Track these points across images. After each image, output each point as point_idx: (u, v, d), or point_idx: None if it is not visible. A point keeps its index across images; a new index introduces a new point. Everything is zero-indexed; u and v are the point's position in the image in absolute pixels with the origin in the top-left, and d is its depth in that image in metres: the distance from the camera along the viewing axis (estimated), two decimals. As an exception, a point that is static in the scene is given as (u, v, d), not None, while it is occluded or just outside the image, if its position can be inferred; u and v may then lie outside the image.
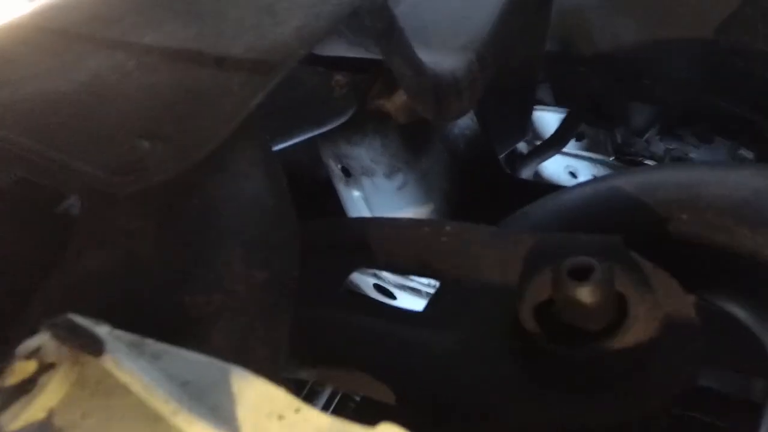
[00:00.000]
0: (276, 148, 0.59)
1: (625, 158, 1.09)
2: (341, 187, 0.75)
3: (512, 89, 0.84)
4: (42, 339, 0.19)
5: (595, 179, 0.52)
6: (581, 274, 0.23)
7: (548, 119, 1.13)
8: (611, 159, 1.08)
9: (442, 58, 0.54)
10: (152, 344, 0.19)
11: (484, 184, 0.80)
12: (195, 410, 0.16)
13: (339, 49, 0.54)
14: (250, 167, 0.33)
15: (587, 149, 1.15)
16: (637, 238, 0.37)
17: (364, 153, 0.69)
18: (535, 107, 1.15)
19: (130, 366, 0.17)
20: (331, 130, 0.65)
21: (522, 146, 1.15)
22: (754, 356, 0.37)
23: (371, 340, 0.28)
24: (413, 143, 0.72)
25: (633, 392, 0.23)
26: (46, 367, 0.18)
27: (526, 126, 0.98)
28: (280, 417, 0.18)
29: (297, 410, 0.18)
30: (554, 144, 1.05)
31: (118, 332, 0.19)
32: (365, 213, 0.76)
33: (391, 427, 0.17)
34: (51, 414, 0.17)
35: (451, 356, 0.26)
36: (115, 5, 0.53)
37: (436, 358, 0.26)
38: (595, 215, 0.41)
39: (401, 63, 0.44)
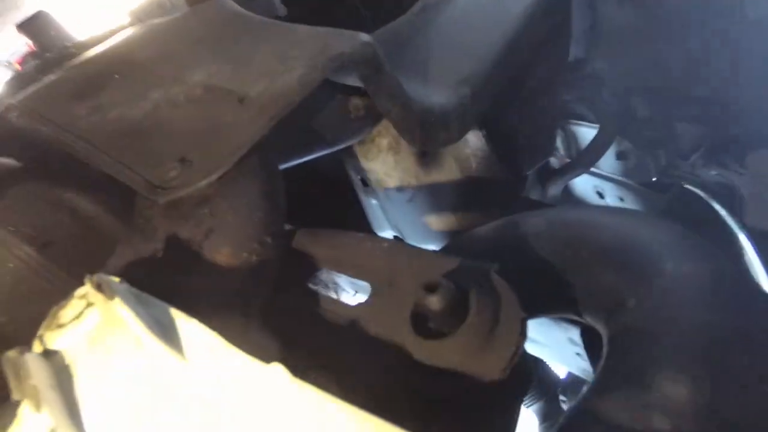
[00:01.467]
0: (300, 160, 0.70)
1: (669, 181, 1.08)
2: (362, 195, 0.85)
3: (534, 109, 0.89)
4: (88, 287, 0.32)
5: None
6: (432, 288, 0.32)
7: (587, 135, 1.15)
8: (637, 182, 1.07)
9: (435, 91, 0.62)
10: (147, 297, 0.31)
11: (495, 202, 0.86)
12: (161, 337, 0.28)
13: (353, 80, 0.64)
14: (250, 182, 0.45)
15: (629, 170, 1.14)
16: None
17: (378, 167, 0.79)
18: (573, 123, 1.18)
19: (131, 306, 0.29)
20: (351, 146, 0.76)
21: (554, 162, 1.17)
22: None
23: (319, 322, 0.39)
24: (424, 160, 0.80)
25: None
26: (89, 305, 0.30)
27: (551, 144, 1.01)
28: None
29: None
30: (583, 162, 1.06)
31: (132, 288, 0.31)
32: (382, 219, 0.86)
33: (279, 366, 0.27)
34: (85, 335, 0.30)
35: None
36: (175, 44, 0.67)
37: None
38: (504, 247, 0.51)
39: (387, 100, 0.53)
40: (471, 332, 0.31)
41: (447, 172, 0.84)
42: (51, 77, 0.87)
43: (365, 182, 0.83)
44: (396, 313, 0.35)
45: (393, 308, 0.35)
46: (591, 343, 0.60)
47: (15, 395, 0.28)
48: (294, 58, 0.51)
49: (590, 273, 0.45)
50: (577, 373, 0.74)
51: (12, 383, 0.28)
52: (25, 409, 0.28)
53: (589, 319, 0.46)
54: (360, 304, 0.38)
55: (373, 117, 0.75)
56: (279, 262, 0.43)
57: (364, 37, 0.51)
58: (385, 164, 0.78)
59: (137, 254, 0.42)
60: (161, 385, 0.29)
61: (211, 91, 0.54)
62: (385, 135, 0.77)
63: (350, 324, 0.37)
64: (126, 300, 0.29)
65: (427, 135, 0.58)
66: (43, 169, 0.79)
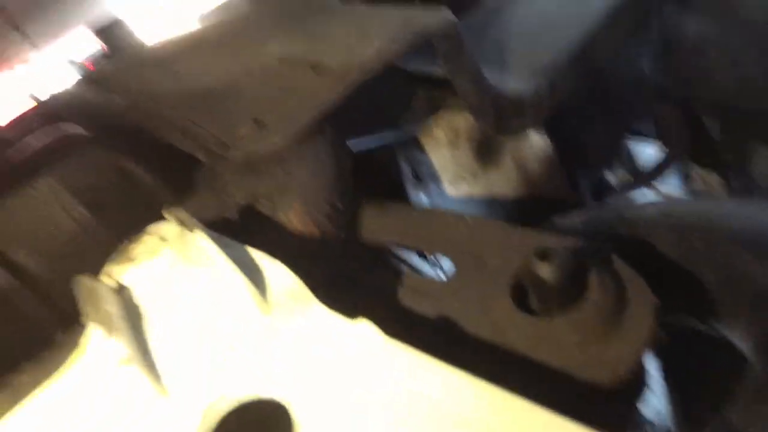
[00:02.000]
0: (359, 142, 0.69)
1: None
2: (411, 190, 0.84)
3: (604, 117, 0.85)
4: (162, 224, 0.31)
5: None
6: (545, 256, 0.29)
7: (646, 152, 1.10)
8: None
9: (512, 78, 0.61)
10: (225, 239, 0.30)
11: (548, 209, 0.83)
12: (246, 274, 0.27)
13: (423, 65, 0.63)
14: (324, 149, 0.44)
15: (695, 191, 1.09)
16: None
17: (434, 160, 0.77)
18: (634, 138, 1.13)
19: (211, 242, 0.28)
20: (407, 136, 0.75)
21: (611, 177, 1.13)
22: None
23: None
24: (482, 157, 0.78)
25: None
26: (163, 241, 0.30)
27: (612, 157, 0.98)
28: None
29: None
30: (644, 179, 1.02)
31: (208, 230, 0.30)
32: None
33: (366, 325, 0.26)
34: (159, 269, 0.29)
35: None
36: (251, 23, 0.68)
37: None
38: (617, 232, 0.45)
39: (464, 80, 0.52)
40: (593, 311, 0.28)
41: (504, 171, 0.81)
42: (125, 56, 0.90)
43: (417, 176, 0.81)
44: (490, 288, 0.32)
45: (486, 284, 0.33)
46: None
47: (87, 319, 0.27)
48: (374, 34, 0.51)
49: (730, 265, 0.38)
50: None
51: (85, 308, 0.27)
52: (95, 333, 0.28)
53: (720, 323, 0.40)
54: (447, 280, 0.36)
55: (432, 107, 0.74)
56: (348, 233, 0.41)
57: (448, 13, 0.50)
58: (441, 158, 0.76)
59: (207, 206, 0.42)
60: (241, 333, 0.27)
61: (286, 62, 0.54)
62: (444, 128, 0.76)
63: (437, 301, 0.34)
64: (207, 234, 0.29)
65: (500, 119, 0.56)
66: (107, 139, 0.81)
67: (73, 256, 0.80)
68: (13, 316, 0.77)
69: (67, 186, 0.80)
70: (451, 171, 0.77)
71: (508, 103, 0.57)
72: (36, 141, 0.84)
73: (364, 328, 0.26)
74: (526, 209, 0.82)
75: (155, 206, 0.81)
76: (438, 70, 0.59)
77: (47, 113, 1.12)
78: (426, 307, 0.29)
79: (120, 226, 0.81)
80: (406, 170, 0.82)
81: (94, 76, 0.84)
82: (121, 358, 0.26)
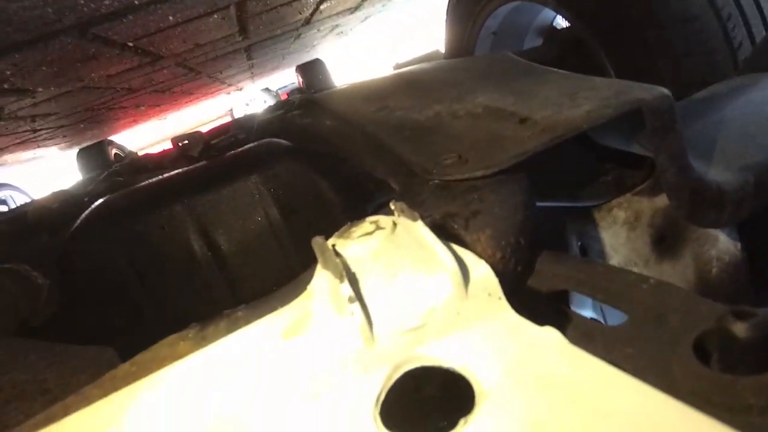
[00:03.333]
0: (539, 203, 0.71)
1: None
2: (574, 263, 0.81)
3: None
4: (378, 215, 0.36)
5: None
6: (742, 315, 0.27)
7: None
8: None
9: (715, 169, 0.58)
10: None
11: None
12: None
13: (619, 142, 0.63)
14: (516, 189, 0.46)
15: None
16: None
17: (606, 238, 0.75)
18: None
19: (427, 228, 0.31)
20: (583, 209, 0.74)
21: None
22: None
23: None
24: (659, 247, 0.74)
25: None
26: (379, 227, 0.34)
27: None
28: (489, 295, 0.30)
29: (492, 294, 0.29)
30: None
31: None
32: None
33: (553, 330, 0.27)
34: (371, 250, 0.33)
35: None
36: (459, 76, 0.76)
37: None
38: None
39: (668, 158, 0.51)
40: None
41: (680, 267, 0.75)
42: (343, 87, 1.05)
43: (584, 251, 0.79)
44: (669, 340, 0.31)
45: (665, 337, 0.32)
46: None
47: (322, 267, 0.32)
48: (584, 98, 0.53)
49: None
50: None
51: (320, 258, 0.33)
52: (325, 277, 0.32)
53: None
54: (617, 327, 0.35)
55: (618, 186, 0.73)
56: (525, 269, 0.43)
57: (665, 90, 0.50)
58: (616, 237, 0.74)
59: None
60: (434, 308, 0.30)
61: (492, 111, 0.59)
62: (625, 208, 0.74)
63: (609, 345, 0.34)
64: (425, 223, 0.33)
65: (696, 208, 0.53)
66: (308, 156, 0.94)
67: (258, 249, 0.92)
68: (195, 282, 0.91)
69: (268, 188, 0.94)
70: (623, 254, 0.73)
71: (709, 193, 0.54)
72: (253, 147, 1.01)
73: (552, 331, 0.27)
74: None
75: (333, 218, 0.90)
76: (637, 148, 0.59)
77: (249, 128, 1.34)
78: (596, 351, 0.29)
79: (301, 232, 0.92)
80: (572, 243, 0.80)
81: (308, 100, 0.99)
82: (347, 298, 0.30)
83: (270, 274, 0.91)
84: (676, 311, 0.34)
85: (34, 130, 1.80)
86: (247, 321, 0.34)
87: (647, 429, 0.21)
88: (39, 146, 2.42)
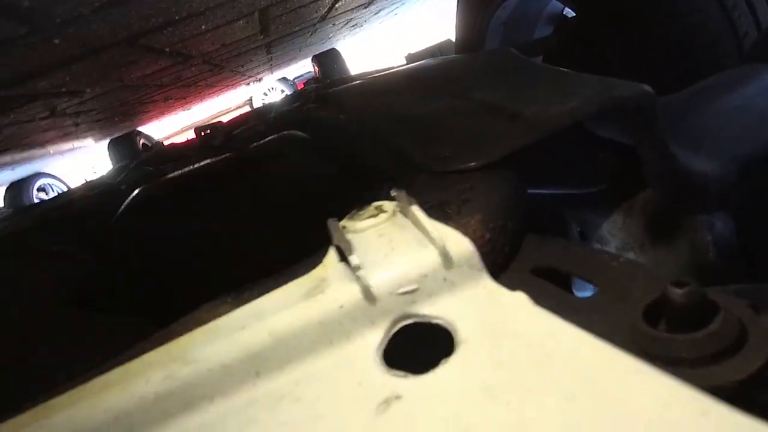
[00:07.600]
0: (535, 191, 0.76)
1: None
2: (573, 248, 0.86)
3: None
4: (381, 201, 0.42)
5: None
6: (681, 284, 0.33)
7: None
8: None
9: (701, 159, 0.62)
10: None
11: None
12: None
13: (613, 133, 0.68)
14: (506, 180, 0.52)
15: None
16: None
17: (603, 224, 0.79)
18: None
19: (422, 211, 0.38)
20: (581, 195, 0.79)
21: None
22: None
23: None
24: (655, 231, 0.78)
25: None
26: (382, 210, 0.41)
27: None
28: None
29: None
30: None
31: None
32: (587, 277, 0.85)
33: (522, 294, 0.33)
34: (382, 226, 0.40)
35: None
36: (460, 73, 0.81)
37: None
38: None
39: (650, 149, 0.56)
40: (709, 337, 0.31)
41: (675, 253, 0.79)
42: (340, 82, 1.11)
43: (584, 236, 0.83)
44: (627, 309, 0.36)
45: (624, 306, 0.37)
46: None
47: (336, 243, 0.39)
48: (571, 94, 0.58)
49: None
50: None
51: (334, 235, 0.39)
52: (338, 251, 0.39)
53: None
54: (587, 298, 0.41)
55: (613, 174, 0.77)
56: (512, 249, 0.48)
57: (646, 87, 0.55)
58: (612, 223, 0.78)
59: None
60: (425, 276, 0.36)
61: (487, 107, 0.64)
62: (621, 195, 0.78)
63: (575, 312, 0.39)
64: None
65: (680, 196, 0.58)
66: (322, 147, 1.00)
67: (281, 234, 0.99)
68: (225, 263, 0.98)
69: (288, 177, 1.01)
70: (620, 238, 0.78)
71: (691, 182, 0.59)
72: (275, 139, 1.08)
73: (520, 295, 0.33)
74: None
75: (343, 203, 0.97)
76: (627, 139, 0.64)
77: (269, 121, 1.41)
78: (566, 316, 0.35)
79: (316, 214, 0.99)
80: (572, 228, 0.85)
81: (324, 95, 1.06)
82: (355, 266, 0.37)
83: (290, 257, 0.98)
84: (638, 285, 0.39)
85: (77, 124, 1.92)
86: (277, 286, 0.41)
87: (585, 370, 0.27)
88: (78, 138, 2.56)
